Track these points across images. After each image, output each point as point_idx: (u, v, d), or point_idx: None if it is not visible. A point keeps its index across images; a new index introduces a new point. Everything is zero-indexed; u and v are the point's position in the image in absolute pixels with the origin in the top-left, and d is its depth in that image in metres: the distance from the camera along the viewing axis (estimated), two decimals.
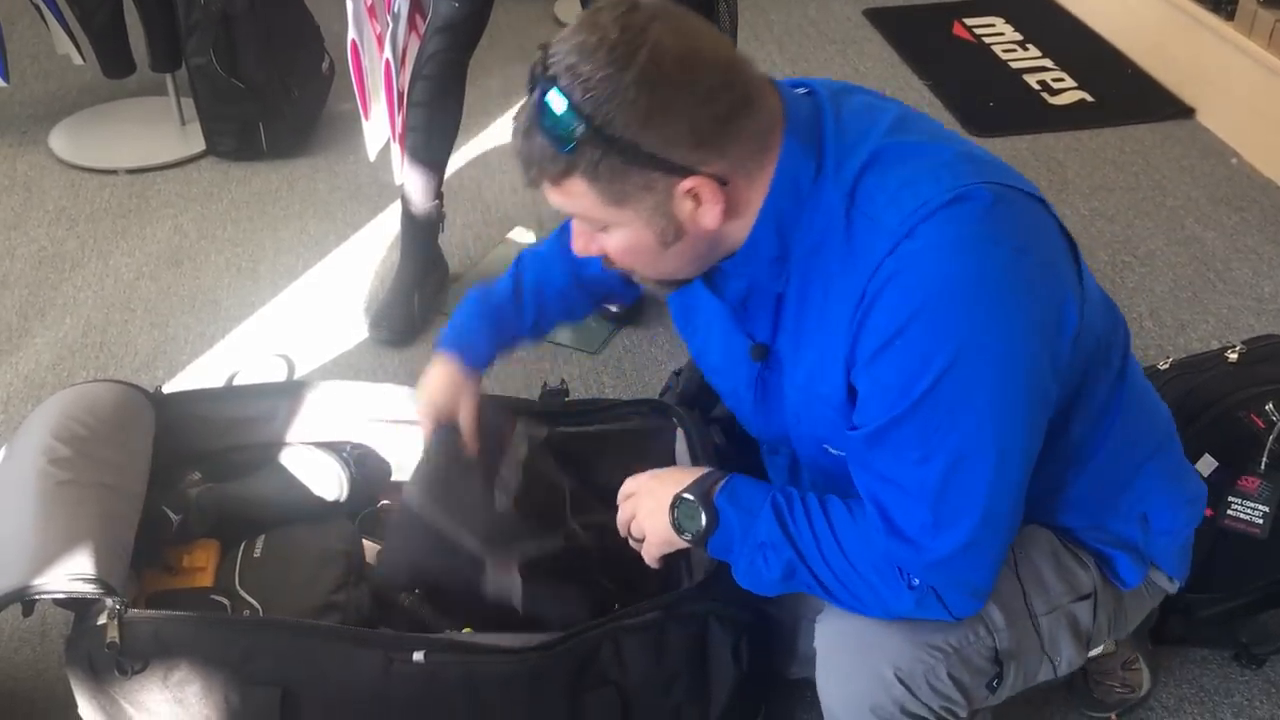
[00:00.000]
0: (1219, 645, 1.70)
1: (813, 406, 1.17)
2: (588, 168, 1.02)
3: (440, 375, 1.52)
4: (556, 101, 1.00)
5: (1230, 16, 3.00)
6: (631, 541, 1.32)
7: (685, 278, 1.18)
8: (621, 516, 1.32)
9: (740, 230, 1.10)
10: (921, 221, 1.03)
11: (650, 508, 1.27)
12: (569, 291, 1.53)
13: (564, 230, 1.47)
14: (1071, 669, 1.32)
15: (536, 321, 1.54)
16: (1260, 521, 1.55)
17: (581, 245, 1.14)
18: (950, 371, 1.02)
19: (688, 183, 1.03)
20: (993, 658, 1.23)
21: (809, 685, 1.31)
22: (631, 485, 1.32)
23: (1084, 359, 1.14)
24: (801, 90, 1.12)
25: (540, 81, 1.01)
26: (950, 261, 1.02)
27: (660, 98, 0.99)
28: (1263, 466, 1.55)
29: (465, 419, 1.53)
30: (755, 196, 1.08)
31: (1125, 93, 3.27)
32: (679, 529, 1.23)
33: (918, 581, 1.11)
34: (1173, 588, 1.36)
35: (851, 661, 1.22)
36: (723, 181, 1.05)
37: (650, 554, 1.30)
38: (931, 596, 1.12)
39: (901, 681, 1.18)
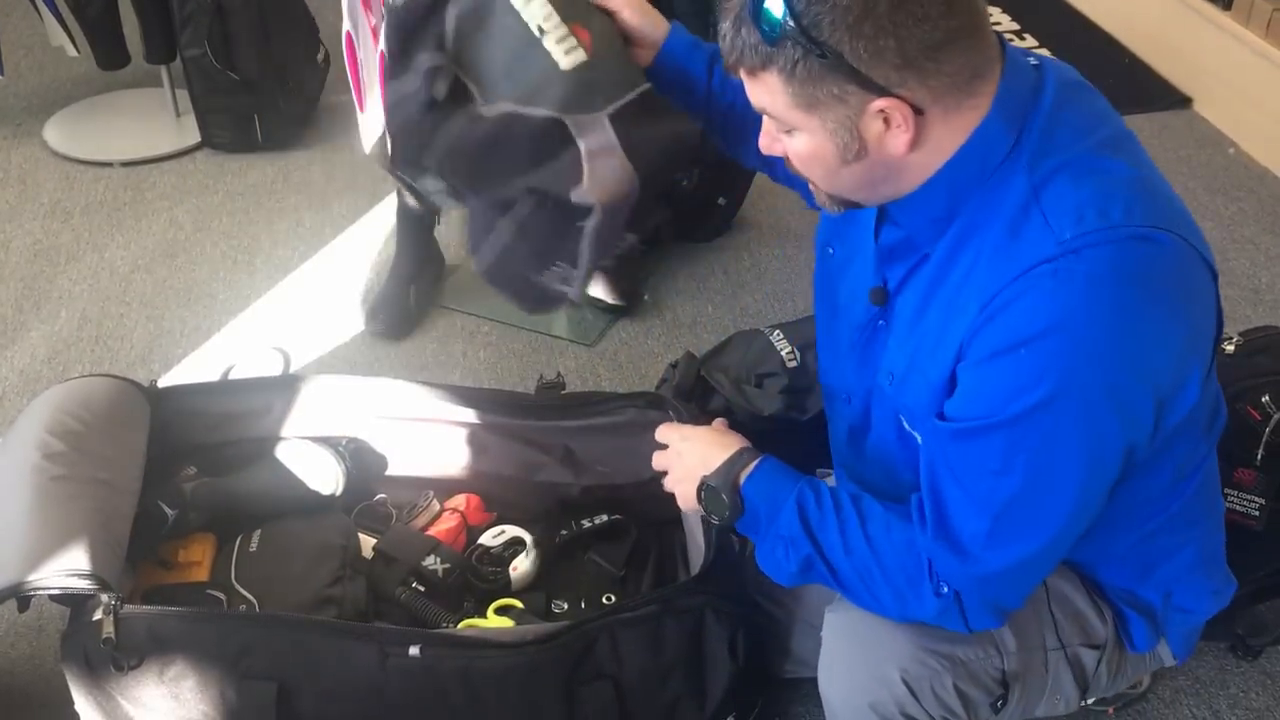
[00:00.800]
0: (1215, 637, 1.69)
1: (909, 377, 1.15)
2: (785, 65, 1.00)
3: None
4: None
5: (1227, 6, 3.00)
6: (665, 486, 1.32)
7: (859, 201, 1.14)
8: (656, 461, 1.32)
9: (919, 172, 1.07)
10: (1095, 245, 0.99)
11: (679, 476, 1.27)
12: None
13: None
14: (1068, 710, 1.32)
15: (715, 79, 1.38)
16: (1256, 514, 1.55)
17: (766, 143, 1.12)
18: (1062, 399, 1.00)
19: (881, 102, 1.00)
20: (999, 678, 1.22)
21: (804, 682, 1.31)
22: (665, 434, 1.31)
23: (1181, 435, 1.12)
24: (1032, 61, 1.09)
25: None
26: (1105, 294, 0.99)
27: (874, 8, 0.96)
28: (1259, 459, 1.55)
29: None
30: (946, 140, 1.04)
31: (1122, 82, 3.26)
32: (706, 511, 1.23)
33: (946, 589, 1.10)
34: (1172, 663, 1.36)
35: (857, 656, 1.21)
36: (918, 110, 1.01)
37: (682, 506, 1.30)
38: (955, 608, 1.11)
39: (906, 684, 1.18)
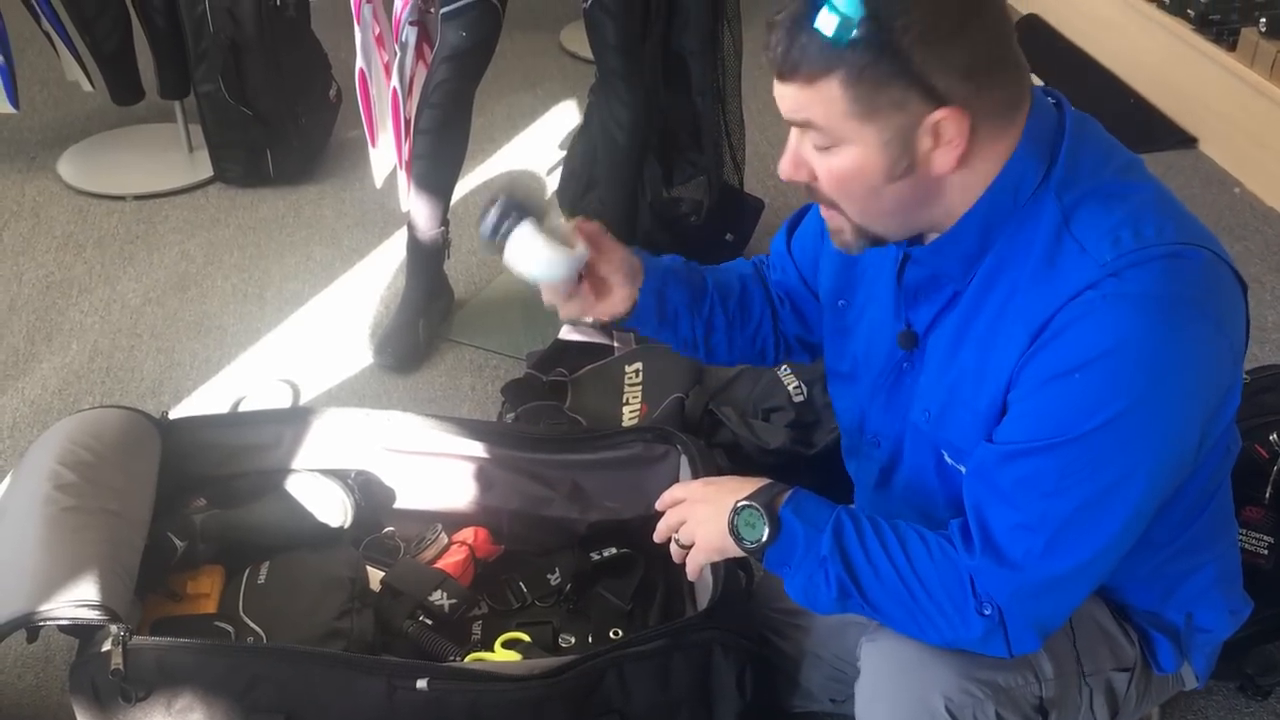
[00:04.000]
0: (1224, 676, 1.69)
1: (952, 410, 1.15)
2: (851, 70, 0.99)
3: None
4: None
5: (1232, 47, 3.02)
6: (674, 548, 1.26)
7: (882, 233, 1.12)
8: (666, 521, 1.26)
9: (955, 197, 1.07)
10: (1135, 266, 1.01)
11: (706, 514, 1.21)
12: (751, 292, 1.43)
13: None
14: None
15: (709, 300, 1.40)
16: (1265, 552, 1.55)
17: (790, 166, 1.10)
18: (1116, 422, 1.01)
19: (940, 113, 1.00)
20: (1038, 705, 1.21)
21: (813, 716, 1.30)
22: (682, 491, 1.27)
23: (1211, 452, 1.14)
24: (1050, 100, 1.12)
25: None
26: (1156, 313, 1.01)
27: (951, 17, 0.98)
28: (1267, 497, 1.55)
29: (605, 254, 1.32)
30: (983, 164, 1.05)
31: (1128, 122, 3.28)
32: (738, 537, 1.17)
33: (990, 609, 1.09)
34: (1194, 684, 1.35)
35: (900, 684, 1.19)
36: (971, 127, 1.02)
37: (695, 561, 1.24)
38: (999, 630, 1.10)
39: (950, 712, 1.17)
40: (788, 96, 1.05)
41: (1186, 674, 1.34)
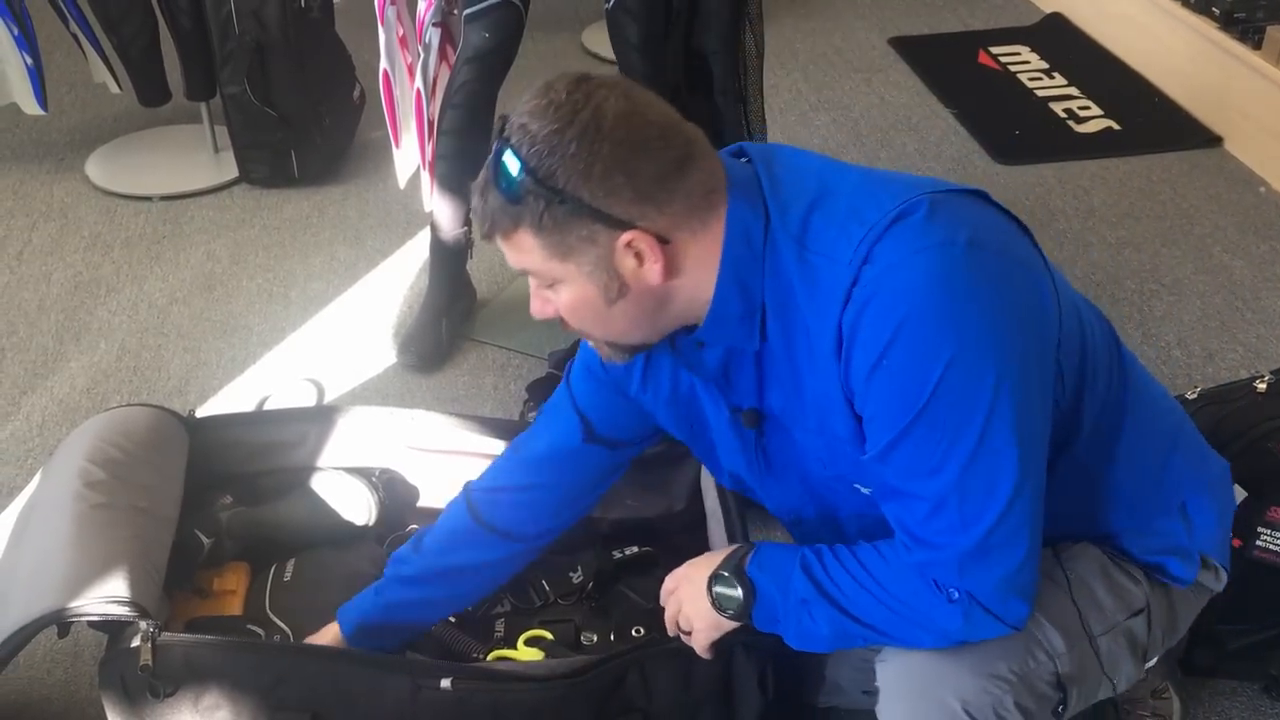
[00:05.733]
0: (1248, 677, 1.68)
1: (833, 449, 1.18)
2: (533, 219, 1.07)
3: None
4: (508, 158, 1.06)
5: (1258, 45, 3.00)
6: (682, 637, 1.32)
7: (639, 342, 1.19)
8: (668, 614, 1.33)
9: (696, 291, 1.12)
10: (873, 245, 1.06)
11: (690, 595, 1.28)
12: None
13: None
14: (1130, 684, 1.31)
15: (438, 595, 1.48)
16: None
17: (538, 307, 1.17)
18: (946, 376, 1.04)
19: (627, 235, 1.07)
20: (1055, 683, 1.21)
21: (836, 715, 1.31)
22: (670, 581, 1.33)
23: (1081, 343, 1.16)
24: (744, 159, 1.17)
25: (497, 142, 1.08)
26: (914, 272, 1.05)
27: (599, 152, 1.04)
28: None
29: None
30: (704, 255, 1.11)
31: (1152, 121, 3.27)
32: (720, 608, 1.24)
33: (956, 593, 1.11)
34: (1219, 584, 1.34)
35: (916, 696, 1.20)
36: (663, 240, 1.08)
37: (700, 643, 1.30)
38: (976, 608, 1.12)
39: (969, 714, 1.17)
40: (503, 252, 1.13)
41: (1207, 578, 1.32)
